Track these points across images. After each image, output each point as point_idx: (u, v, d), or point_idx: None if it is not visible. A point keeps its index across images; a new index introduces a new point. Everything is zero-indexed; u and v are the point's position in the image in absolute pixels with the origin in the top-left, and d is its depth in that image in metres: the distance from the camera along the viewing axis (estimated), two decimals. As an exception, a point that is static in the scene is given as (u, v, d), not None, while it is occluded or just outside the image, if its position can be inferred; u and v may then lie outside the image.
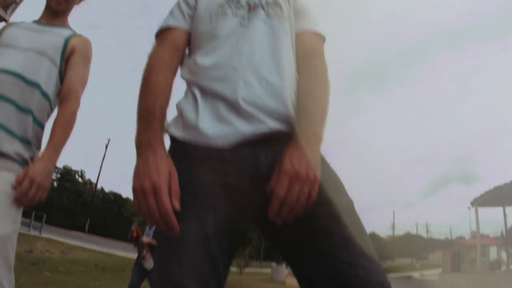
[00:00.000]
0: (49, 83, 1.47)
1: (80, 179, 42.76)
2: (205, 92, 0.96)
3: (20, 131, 1.35)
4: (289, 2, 1.16)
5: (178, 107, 1.00)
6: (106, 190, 44.30)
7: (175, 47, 1.07)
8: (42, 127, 1.47)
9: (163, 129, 0.93)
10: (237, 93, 0.91)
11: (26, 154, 1.36)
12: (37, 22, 1.61)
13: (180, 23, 1.10)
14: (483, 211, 18.47)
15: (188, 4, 1.14)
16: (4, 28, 1.57)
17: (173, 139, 0.97)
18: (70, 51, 1.55)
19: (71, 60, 1.55)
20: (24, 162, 1.35)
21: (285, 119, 0.93)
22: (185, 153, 0.90)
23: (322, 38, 1.14)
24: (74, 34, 1.61)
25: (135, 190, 0.82)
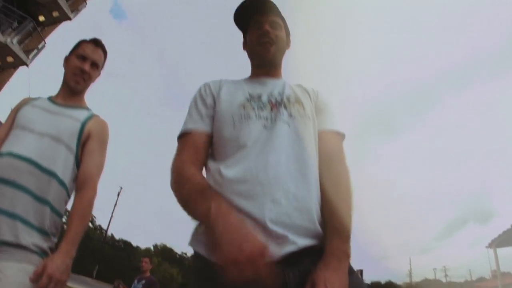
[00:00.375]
0: (66, 171, 1.45)
1: (90, 224, 42.46)
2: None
3: (38, 222, 1.34)
4: (310, 99, 1.16)
5: None
6: (116, 237, 43.83)
7: (195, 150, 1.07)
8: (60, 216, 1.45)
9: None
10: (265, 213, 0.90)
11: (44, 245, 1.35)
12: (53, 101, 1.58)
13: (199, 125, 1.10)
14: (503, 249, 17.62)
15: (205, 104, 1.14)
16: (20, 106, 1.55)
17: (196, 254, 0.97)
18: (86, 136, 1.53)
19: (87, 145, 1.53)
20: (43, 253, 1.33)
21: (313, 235, 0.94)
22: (209, 272, 0.87)
23: (342, 137, 1.15)
24: (91, 116, 1.59)
25: (227, 262, 0.76)
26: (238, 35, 1.34)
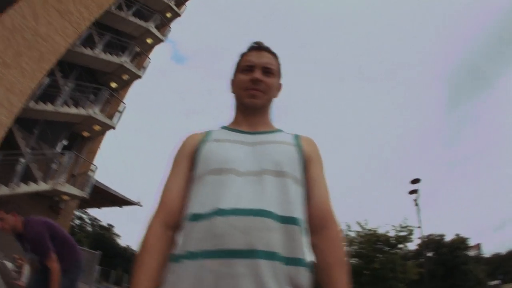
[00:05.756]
0: (303, 211, 1.09)
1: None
2: None
3: None
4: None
5: None
6: None
7: None
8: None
9: None
10: None
11: None
12: (238, 130, 1.22)
13: None
14: None
15: None
16: (193, 146, 1.17)
17: None
18: (306, 160, 1.18)
19: (310, 171, 1.16)
20: None
21: None
22: None
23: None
24: (297, 136, 1.24)
25: None
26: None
